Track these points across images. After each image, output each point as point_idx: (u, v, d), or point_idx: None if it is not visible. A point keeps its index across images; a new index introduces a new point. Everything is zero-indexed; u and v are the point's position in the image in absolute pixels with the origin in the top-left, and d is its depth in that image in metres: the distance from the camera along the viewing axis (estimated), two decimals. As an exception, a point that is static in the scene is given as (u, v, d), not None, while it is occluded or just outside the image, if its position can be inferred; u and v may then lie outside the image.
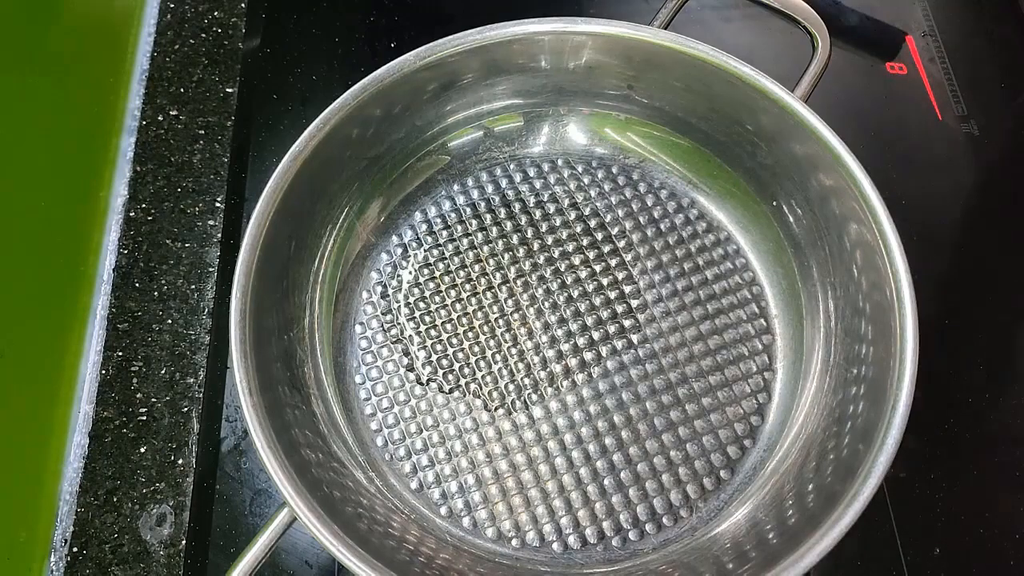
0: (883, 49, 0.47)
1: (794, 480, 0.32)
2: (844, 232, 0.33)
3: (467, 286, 0.38)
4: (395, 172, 0.39)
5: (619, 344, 0.37)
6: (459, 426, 0.35)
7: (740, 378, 0.36)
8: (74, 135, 0.43)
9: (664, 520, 0.34)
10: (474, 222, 0.39)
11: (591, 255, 0.39)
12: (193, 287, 0.41)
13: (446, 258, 0.39)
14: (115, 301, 0.40)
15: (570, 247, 0.39)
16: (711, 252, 0.39)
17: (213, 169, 0.44)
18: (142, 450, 0.37)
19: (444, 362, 0.36)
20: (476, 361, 0.37)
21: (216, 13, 0.48)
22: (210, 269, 0.41)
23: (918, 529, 0.35)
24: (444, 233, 0.39)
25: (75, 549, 0.35)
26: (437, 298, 0.38)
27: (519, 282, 0.38)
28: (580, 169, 0.41)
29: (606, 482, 0.34)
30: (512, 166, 0.41)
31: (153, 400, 0.38)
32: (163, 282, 0.41)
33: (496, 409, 0.36)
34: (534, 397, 0.36)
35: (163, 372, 0.39)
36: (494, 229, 0.39)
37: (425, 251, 0.39)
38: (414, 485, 0.34)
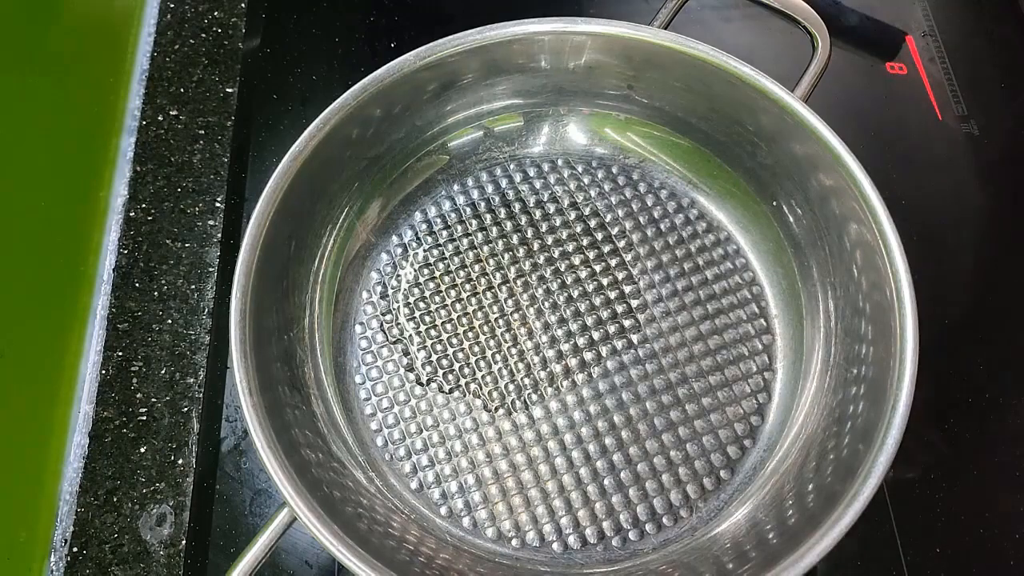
0: (883, 49, 0.47)
1: (794, 480, 0.32)
2: (844, 232, 0.33)
3: (467, 286, 0.38)
4: (395, 172, 0.39)
5: (619, 344, 0.37)
6: (459, 426, 0.35)
7: (740, 378, 0.36)
8: (74, 135, 0.43)
9: (664, 520, 0.34)
10: (474, 222, 0.39)
11: (591, 255, 0.39)
12: (193, 287, 0.41)
13: (446, 258, 0.39)
14: (115, 301, 0.40)
15: (570, 247, 0.39)
16: (711, 252, 0.39)
17: (213, 169, 0.44)
18: (142, 450, 0.37)
19: (444, 362, 0.36)
20: (476, 361, 0.37)
21: (216, 13, 0.48)
22: (210, 269, 0.41)
23: (918, 529, 0.35)
24: (444, 233, 0.39)
25: (75, 549, 0.35)
26: (437, 298, 0.38)
27: (519, 282, 0.38)
28: (580, 169, 0.41)
29: (606, 482, 0.34)
30: (512, 166, 0.41)
31: (153, 400, 0.38)
32: (163, 282, 0.41)
33: (496, 409, 0.36)
34: (534, 397, 0.36)
35: (163, 372, 0.39)
36: (494, 229, 0.39)
37: (425, 251, 0.39)
38: (414, 485, 0.34)
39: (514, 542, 0.33)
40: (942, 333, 0.39)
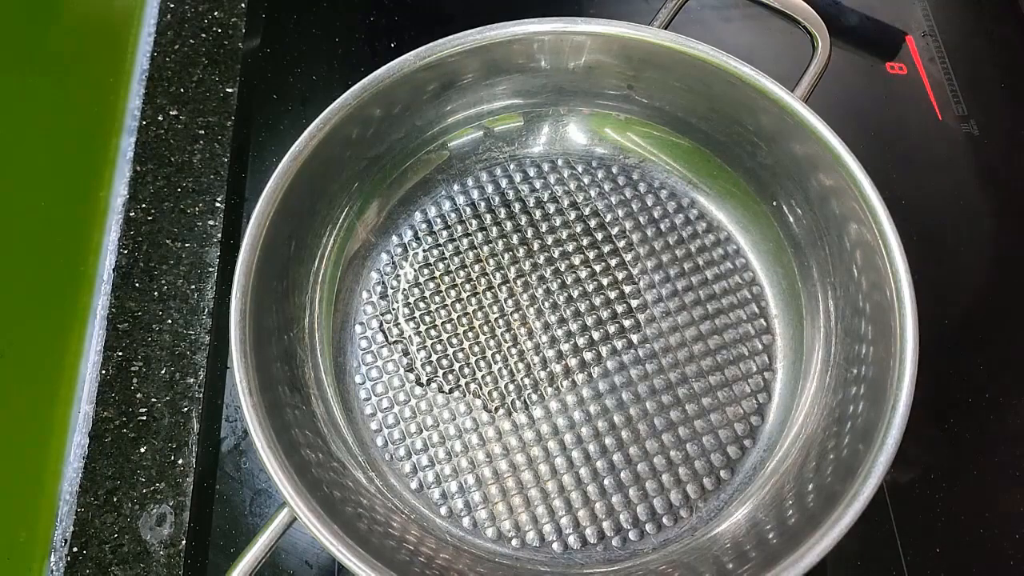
0: (883, 49, 0.47)
1: (794, 480, 0.32)
2: (844, 232, 0.33)
3: (467, 286, 0.38)
4: (395, 172, 0.39)
5: (619, 344, 0.37)
6: (459, 426, 0.35)
7: (740, 378, 0.36)
8: (74, 135, 0.43)
9: (664, 520, 0.34)
10: (474, 222, 0.39)
11: (591, 255, 0.39)
12: (193, 287, 0.41)
13: (446, 258, 0.39)
14: (115, 301, 0.40)
15: (570, 247, 0.39)
16: (711, 252, 0.39)
17: (213, 169, 0.44)
18: (142, 450, 0.37)
19: (444, 362, 0.36)
20: (476, 361, 0.37)
21: (216, 13, 0.48)
22: (210, 269, 0.41)
23: (918, 529, 0.35)
24: (444, 233, 0.39)
25: (75, 549, 0.35)
26: (437, 298, 0.38)
27: (519, 282, 0.38)
28: (580, 169, 0.41)
29: (606, 482, 0.34)
30: (512, 166, 0.41)
31: (153, 400, 0.38)
32: (163, 282, 0.41)
33: (496, 409, 0.36)
34: (534, 397, 0.36)
35: (163, 372, 0.39)
36: (494, 229, 0.39)
37: (425, 251, 0.39)
38: (414, 485, 0.34)
39: (514, 542, 0.33)
40: (942, 333, 0.39)
